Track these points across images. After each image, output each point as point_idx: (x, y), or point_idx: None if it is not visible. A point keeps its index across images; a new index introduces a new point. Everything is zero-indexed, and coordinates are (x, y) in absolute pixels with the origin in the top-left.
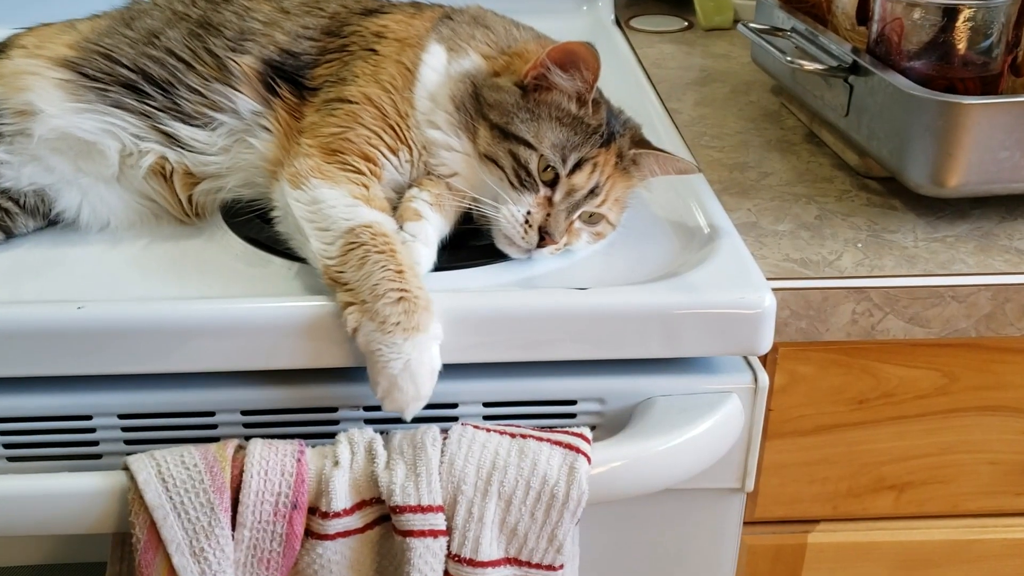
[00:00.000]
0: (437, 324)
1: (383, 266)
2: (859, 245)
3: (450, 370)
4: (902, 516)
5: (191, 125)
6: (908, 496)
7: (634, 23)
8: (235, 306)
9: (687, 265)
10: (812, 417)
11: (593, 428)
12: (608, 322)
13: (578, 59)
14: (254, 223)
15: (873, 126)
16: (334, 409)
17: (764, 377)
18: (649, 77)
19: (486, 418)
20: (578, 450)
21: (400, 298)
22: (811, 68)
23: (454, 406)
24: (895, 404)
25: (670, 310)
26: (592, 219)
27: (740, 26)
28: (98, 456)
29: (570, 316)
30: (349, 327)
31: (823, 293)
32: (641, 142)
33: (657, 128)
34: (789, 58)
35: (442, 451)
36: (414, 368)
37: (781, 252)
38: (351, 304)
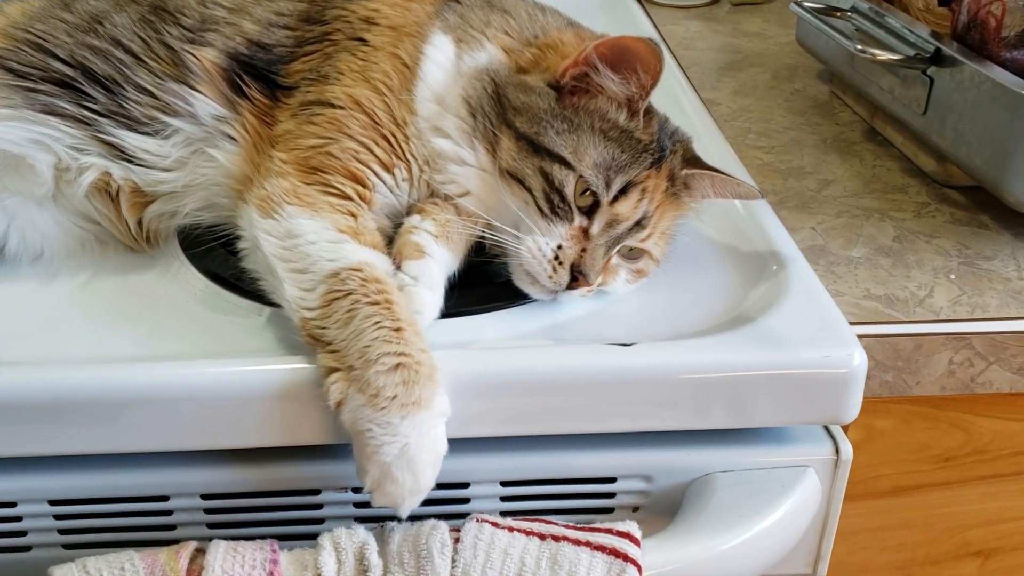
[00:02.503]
0: (443, 397)
1: (376, 323)
2: (952, 276)
3: (460, 444)
4: None
5: (140, 133)
6: (995, 564)
7: None
8: (190, 371)
9: (751, 309)
10: (889, 477)
11: (635, 510)
12: (659, 387)
13: (635, 58)
14: (217, 254)
15: (961, 128)
16: (316, 491)
17: (847, 447)
18: (677, 60)
19: (504, 499)
20: (626, 557)
21: (397, 365)
22: (885, 58)
23: (465, 486)
24: (987, 461)
25: (738, 372)
26: (632, 254)
27: (793, 5)
28: (27, 548)
29: (611, 380)
30: (332, 399)
31: (915, 340)
32: (694, 160)
33: (695, 125)
34: (859, 46)
35: (453, 560)
36: (413, 454)
37: (860, 286)
38: (335, 370)
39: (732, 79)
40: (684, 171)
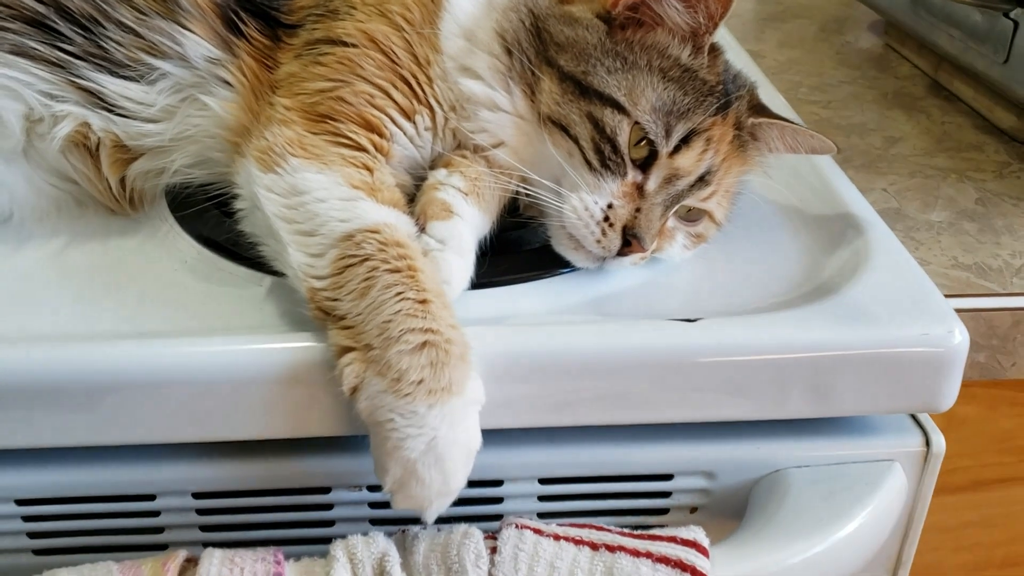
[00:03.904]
0: (476, 381)
1: (398, 293)
2: None
3: (494, 435)
4: None
5: (122, 78)
6: None
7: None
8: (179, 350)
9: (831, 280)
10: (968, 470)
11: (693, 511)
12: (729, 370)
13: None
14: (210, 216)
15: None
16: (326, 489)
17: (939, 439)
18: None
19: (542, 499)
20: (694, 571)
21: (424, 343)
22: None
23: (498, 483)
24: None
25: (821, 352)
26: (691, 215)
27: None
28: None
29: (673, 362)
30: (347, 384)
31: (1014, 316)
32: (761, 108)
33: None
34: None
35: (490, 574)
36: (442, 450)
37: (945, 254)
38: (350, 350)
39: (776, 31)
40: (751, 120)
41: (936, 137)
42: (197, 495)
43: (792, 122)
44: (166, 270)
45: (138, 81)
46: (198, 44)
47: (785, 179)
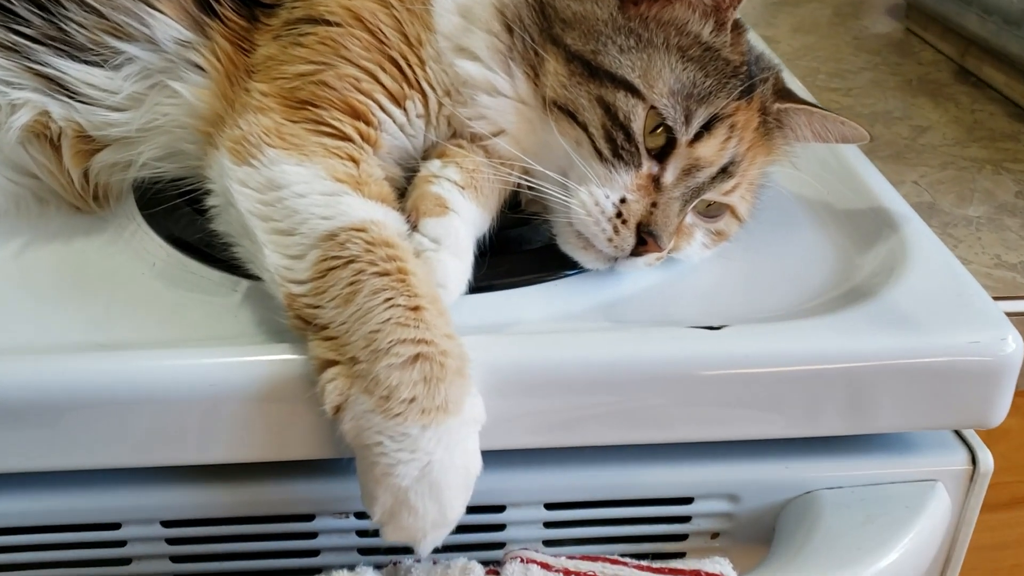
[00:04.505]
0: (475, 398)
1: (387, 299)
2: None
3: (495, 457)
4: None
5: (84, 63)
6: None
7: None
8: (146, 364)
9: (868, 282)
10: (1009, 486)
11: (714, 536)
12: (758, 384)
13: None
14: (182, 214)
15: None
16: (308, 517)
17: (987, 456)
18: None
19: (549, 526)
20: None
21: (416, 356)
22: None
23: (500, 509)
24: None
25: (860, 362)
26: (711, 210)
27: None
28: None
29: (695, 374)
30: (329, 403)
31: None
32: (787, 93)
33: None
34: None
35: None
36: (437, 476)
37: (987, 252)
38: (333, 363)
39: (789, 15)
40: (777, 105)
41: (967, 126)
42: (167, 523)
43: (821, 107)
44: (133, 274)
45: (102, 66)
46: (168, 25)
47: (812, 170)
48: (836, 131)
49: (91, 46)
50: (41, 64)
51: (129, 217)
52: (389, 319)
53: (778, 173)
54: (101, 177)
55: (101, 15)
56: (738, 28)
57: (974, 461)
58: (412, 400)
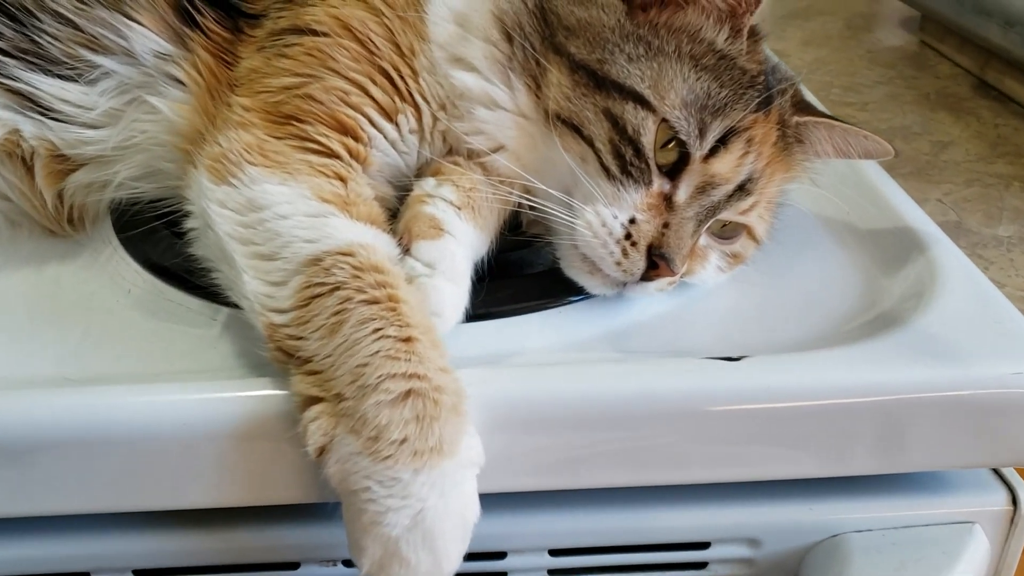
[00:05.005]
0: (473, 438)
1: (376, 330)
2: None
3: (496, 500)
4: None
5: (58, 77)
6: None
7: None
8: (119, 401)
9: (897, 308)
10: None
11: None
12: (782, 420)
13: None
14: (160, 237)
15: None
16: (293, 565)
17: None
18: None
19: (553, 573)
20: None
21: (408, 392)
22: None
23: (500, 556)
24: None
25: (893, 396)
26: (727, 231)
27: None
28: None
29: (712, 410)
30: (313, 444)
31: None
32: (806, 106)
33: None
34: None
35: None
36: (431, 524)
37: (1021, 275)
38: (317, 400)
39: (799, 29)
40: (796, 118)
41: (990, 141)
42: (139, 572)
43: (843, 121)
44: (108, 302)
45: (76, 81)
46: (146, 37)
47: (831, 187)
48: (859, 146)
49: (65, 59)
50: (12, 79)
51: (105, 241)
52: (378, 351)
53: (795, 190)
54: (76, 198)
55: (76, 27)
56: (755, 35)
57: (1015, 501)
58: (403, 441)
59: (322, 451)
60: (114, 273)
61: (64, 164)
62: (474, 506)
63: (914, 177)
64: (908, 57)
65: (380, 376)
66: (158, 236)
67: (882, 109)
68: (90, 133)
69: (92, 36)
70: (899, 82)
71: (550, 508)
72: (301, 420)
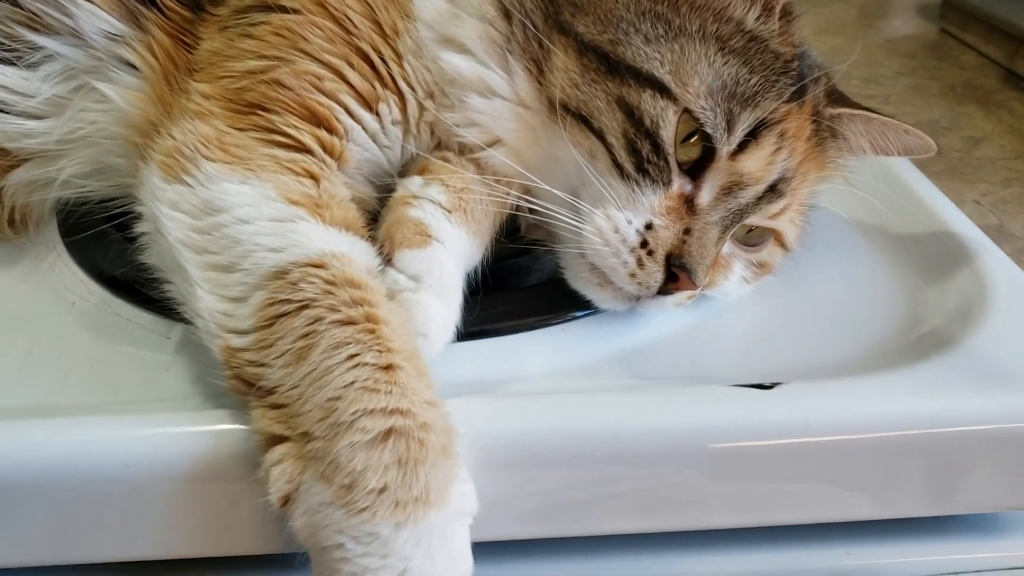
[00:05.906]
0: (466, 484)
1: (351, 356)
2: None
3: (489, 551)
4: None
5: None
6: None
7: None
8: (58, 436)
9: (946, 326)
10: None
11: None
12: (820, 455)
13: None
14: (110, 242)
15: None
16: None
17: None
18: None
19: None
20: None
21: (389, 432)
22: None
23: None
24: None
25: (944, 428)
26: (752, 237)
27: None
28: None
29: (741, 446)
30: (276, 491)
31: None
32: (840, 97)
33: None
34: None
35: None
36: None
37: None
38: (281, 440)
39: (813, 16)
40: (831, 110)
41: None
42: None
43: (881, 113)
44: (48, 316)
45: (16, 64)
46: (95, 16)
47: (866, 187)
48: (898, 141)
49: (3, 40)
50: None
51: (49, 246)
52: (353, 382)
53: (823, 190)
54: (17, 198)
55: (14, 3)
56: (788, 14)
57: None
58: (383, 490)
59: (287, 500)
60: (57, 283)
61: (4, 159)
62: (466, 560)
63: (947, 176)
64: (929, 46)
65: (355, 412)
66: (108, 241)
67: (906, 102)
68: (31, 124)
69: (33, 13)
70: (922, 73)
71: (553, 556)
72: (263, 463)
